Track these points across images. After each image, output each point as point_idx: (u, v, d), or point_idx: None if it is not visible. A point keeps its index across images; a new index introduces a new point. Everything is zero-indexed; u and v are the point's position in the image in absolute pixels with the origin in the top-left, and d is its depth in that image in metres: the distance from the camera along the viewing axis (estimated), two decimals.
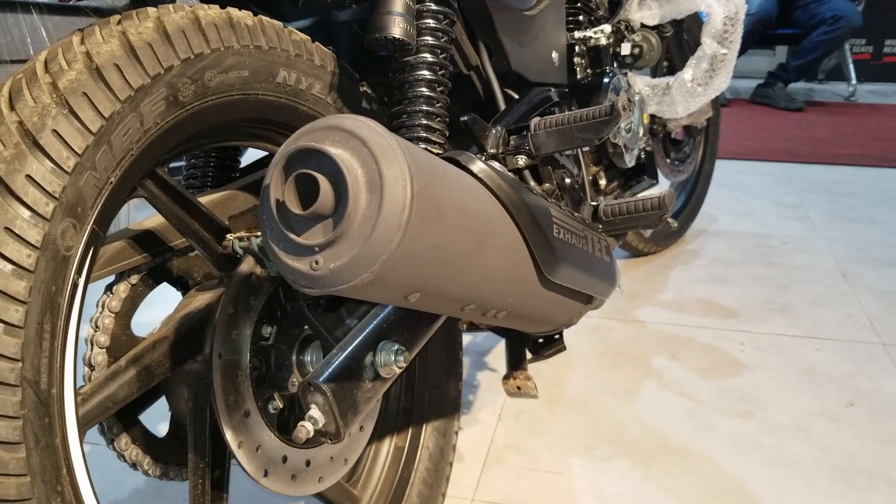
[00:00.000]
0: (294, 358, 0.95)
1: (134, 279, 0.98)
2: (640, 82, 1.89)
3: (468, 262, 0.73)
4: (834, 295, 2.36)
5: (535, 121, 1.07)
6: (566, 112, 1.03)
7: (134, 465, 0.98)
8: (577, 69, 1.61)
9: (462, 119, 1.05)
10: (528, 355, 1.33)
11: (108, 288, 0.96)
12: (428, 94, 1.04)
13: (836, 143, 4.55)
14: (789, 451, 1.57)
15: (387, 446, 1.21)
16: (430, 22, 1.05)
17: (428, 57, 1.04)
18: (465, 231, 0.71)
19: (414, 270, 0.66)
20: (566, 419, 1.68)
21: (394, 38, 0.97)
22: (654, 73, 2.23)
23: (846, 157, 4.17)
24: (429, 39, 1.05)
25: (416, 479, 1.20)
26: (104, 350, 0.93)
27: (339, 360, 0.86)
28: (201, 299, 0.95)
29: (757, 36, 5.62)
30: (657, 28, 1.90)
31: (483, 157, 0.89)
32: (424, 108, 1.03)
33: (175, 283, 1.09)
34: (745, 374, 1.88)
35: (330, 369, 0.84)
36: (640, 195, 1.67)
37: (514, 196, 0.80)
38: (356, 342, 0.88)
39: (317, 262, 0.63)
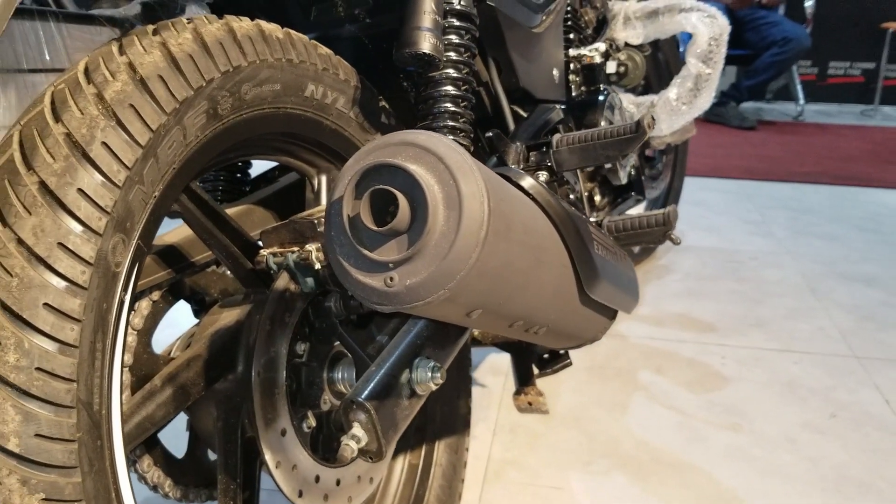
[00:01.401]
0: (325, 375, 0.93)
1: (155, 296, 0.96)
2: (626, 100, 1.92)
3: (526, 279, 0.73)
4: (805, 309, 2.42)
5: (556, 137, 1.07)
6: (589, 129, 1.04)
7: (155, 488, 0.95)
8: (573, 86, 1.63)
9: (486, 135, 1.05)
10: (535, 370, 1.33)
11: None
12: (453, 109, 1.04)
13: (789, 161, 4.68)
14: (780, 462, 1.60)
15: (400, 464, 1.20)
16: (454, 38, 1.05)
17: (452, 72, 1.04)
18: (525, 248, 0.71)
19: (484, 287, 0.66)
20: (561, 434, 1.68)
21: (424, 53, 0.97)
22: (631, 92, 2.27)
23: (801, 175, 4.30)
24: (452, 55, 1.05)
25: (430, 497, 1.19)
26: (127, 369, 0.91)
27: (378, 377, 0.84)
28: (229, 316, 0.93)
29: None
30: (638, 47, 1.94)
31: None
32: (450, 123, 1.03)
33: (190, 299, 1.07)
34: (729, 387, 1.91)
35: (370, 387, 0.83)
36: (644, 212, 1.69)
37: (561, 212, 0.80)
38: (392, 359, 0.86)
39: (392, 279, 0.63)
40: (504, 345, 1.38)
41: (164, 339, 1.02)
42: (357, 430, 0.82)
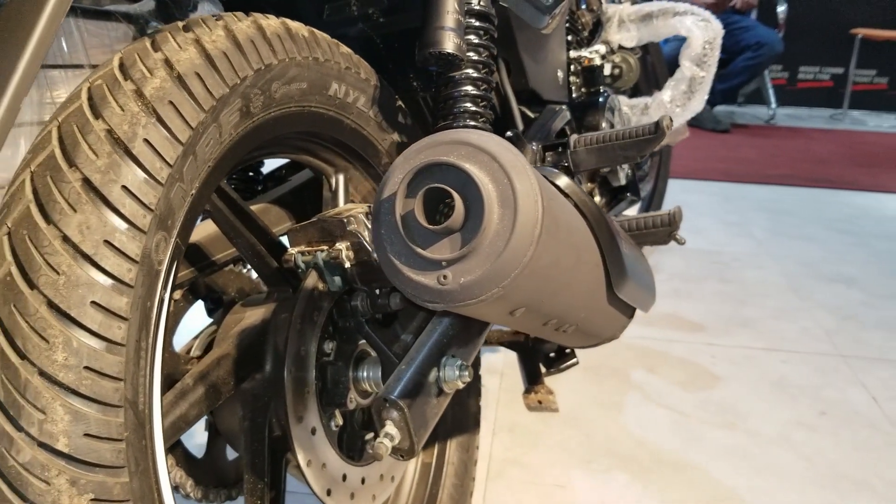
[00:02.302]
0: (350, 374, 0.93)
1: (177, 295, 0.95)
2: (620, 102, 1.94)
3: (568, 278, 0.73)
4: (790, 309, 2.46)
5: (574, 137, 1.08)
6: (607, 129, 1.05)
7: (176, 488, 0.95)
8: (573, 88, 1.64)
9: (506, 135, 1.06)
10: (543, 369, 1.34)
11: None
12: (473, 109, 1.04)
13: (764, 163, 4.76)
14: (776, 460, 1.63)
15: (414, 464, 1.20)
16: (473, 38, 1.06)
17: (472, 72, 1.05)
18: (568, 247, 0.71)
19: (533, 286, 0.66)
20: (560, 433, 1.69)
21: (447, 53, 0.97)
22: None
23: (776, 178, 4.37)
24: (472, 55, 1.05)
25: (444, 495, 1.19)
26: None
27: (408, 375, 0.84)
28: (254, 315, 0.93)
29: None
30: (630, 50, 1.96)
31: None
32: (470, 122, 1.03)
33: (206, 298, 1.06)
34: (721, 386, 1.94)
35: (401, 385, 0.83)
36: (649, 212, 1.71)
37: (595, 212, 0.81)
38: (421, 358, 0.86)
39: (445, 277, 0.63)
40: (510, 344, 1.39)
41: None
42: (390, 427, 0.82)
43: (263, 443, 0.88)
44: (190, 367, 0.95)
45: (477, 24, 1.06)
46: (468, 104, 1.04)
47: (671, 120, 1.01)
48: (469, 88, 1.04)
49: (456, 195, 0.62)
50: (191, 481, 0.95)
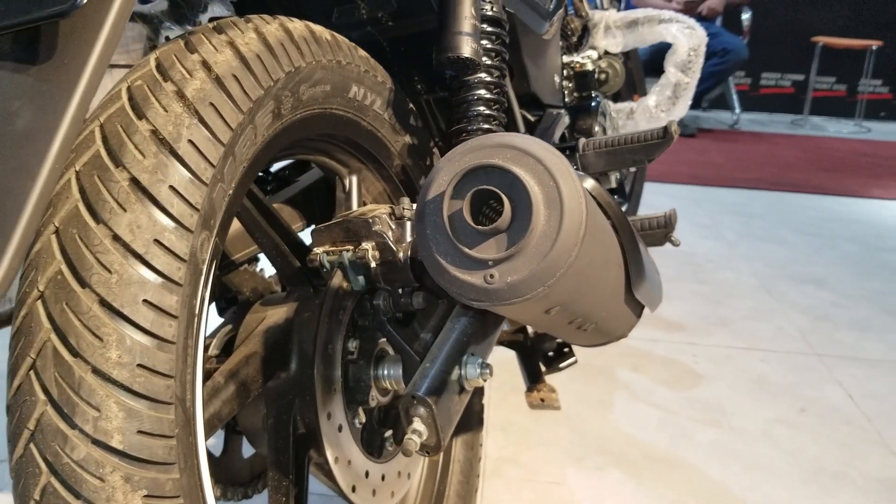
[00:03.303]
0: (372, 372, 0.95)
1: None
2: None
3: (598, 278, 0.76)
4: (764, 310, 2.53)
5: (582, 141, 1.11)
6: (616, 133, 1.07)
7: None
8: (566, 92, 1.67)
9: None
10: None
11: None
12: (487, 112, 1.06)
13: (731, 167, 4.86)
14: (762, 456, 1.67)
15: (421, 461, 1.21)
16: (486, 43, 1.08)
17: (485, 76, 1.07)
18: (602, 248, 0.74)
19: (573, 285, 0.68)
20: (553, 431, 1.72)
21: (465, 57, 0.99)
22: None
23: (743, 181, 4.47)
24: (486, 60, 1.07)
25: (451, 492, 1.21)
26: None
27: (433, 373, 0.86)
28: (276, 314, 0.93)
29: (654, 65, 5.92)
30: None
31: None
32: (484, 125, 1.06)
33: (219, 298, 1.07)
34: (704, 384, 1.99)
35: (427, 382, 0.84)
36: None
37: (619, 214, 0.83)
38: (443, 356, 0.88)
39: (492, 276, 0.65)
40: (510, 343, 1.41)
41: None
42: (418, 424, 0.83)
43: (288, 440, 0.89)
44: (209, 365, 0.96)
45: (490, 29, 1.08)
46: (482, 107, 1.06)
47: (678, 126, 1.04)
48: (483, 92, 1.06)
49: (504, 197, 0.64)
50: (210, 479, 0.95)
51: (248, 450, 1.10)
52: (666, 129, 1.05)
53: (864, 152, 5.66)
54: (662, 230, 1.34)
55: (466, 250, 0.65)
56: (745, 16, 6.17)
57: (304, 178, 1.19)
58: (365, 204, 1.11)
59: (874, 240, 3.40)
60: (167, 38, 1.16)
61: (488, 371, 0.90)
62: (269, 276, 1.11)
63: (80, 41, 0.57)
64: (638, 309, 1.05)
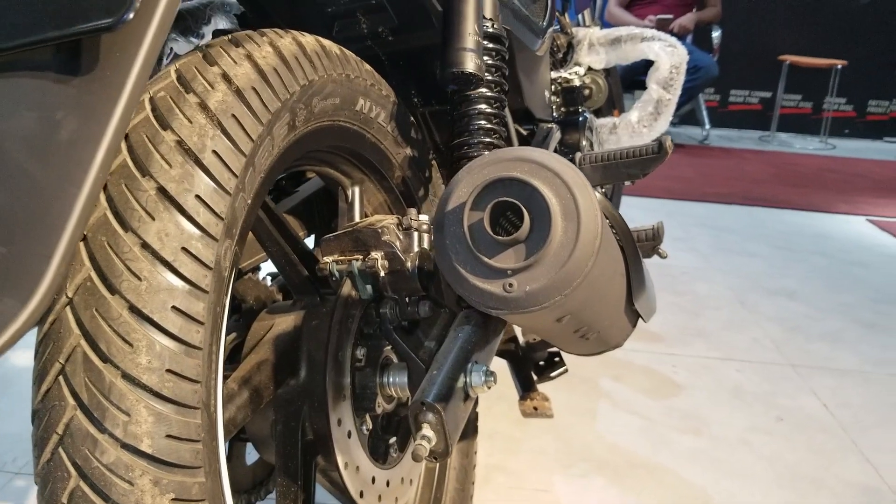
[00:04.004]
0: (377, 380, 0.96)
1: None
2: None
3: (607, 288, 0.79)
4: (738, 321, 2.58)
5: (578, 155, 1.14)
6: (612, 148, 1.11)
7: None
8: (553, 107, 1.71)
9: None
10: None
11: None
12: (488, 126, 1.09)
13: (702, 182, 4.95)
14: (740, 463, 1.72)
15: (417, 468, 1.23)
16: (487, 59, 1.11)
17: (486, 91, 1.10)
18: (611, 258, 0.77)
19: (586, 295, 0.71)
20: (538, 439, 1.75)
21: (469, 72, 1.02)
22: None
23: (714, 196, 4.55)
24: (487, 75, 1.10)
25: (447, 499, 1.23)
26: None
27: (440, 380, 0.88)
28: (284, 322, 0.95)
29: (627, 82, 6.02)
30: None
31: None
32: (485, 139, 1.08)
33: None
34: (683, 393, 2.03)
35: (436, 389, 0.86)
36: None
37: (624, 225, 0.86)
38: (449, 364, 0.90)
39: (511, 285, 0.67)
40: (501, 353, 1.44)
41: None
42: (427, 430, 0.85)
43: (296, 447, 0.90)
44: None
45: (490, 45, 1.11)
46: (483, 121, 1.09)
47: (672, 142, 1.08)
48: (484, 107, 1.09)
49: (523, 208, 0.66)
50: None
51: (250, 457, 1.12)
52: (661, 145, 1.08)
53: (829, 168, 5.80)
54: (650, 242, 1.38)
55: (486, 260, 0.68)
56: (716, 34, 6.29)
57: (305, 188, 1.21)
58: (367, 215, 1.13)
59: (842, 254, 3.49)
60: (171, 49, 1.17)
61: (492, 378, 0.92)
62: (271, 285, 1.12)
63: (123, 54, 0.59)
64: (634, 319, 1.09)
